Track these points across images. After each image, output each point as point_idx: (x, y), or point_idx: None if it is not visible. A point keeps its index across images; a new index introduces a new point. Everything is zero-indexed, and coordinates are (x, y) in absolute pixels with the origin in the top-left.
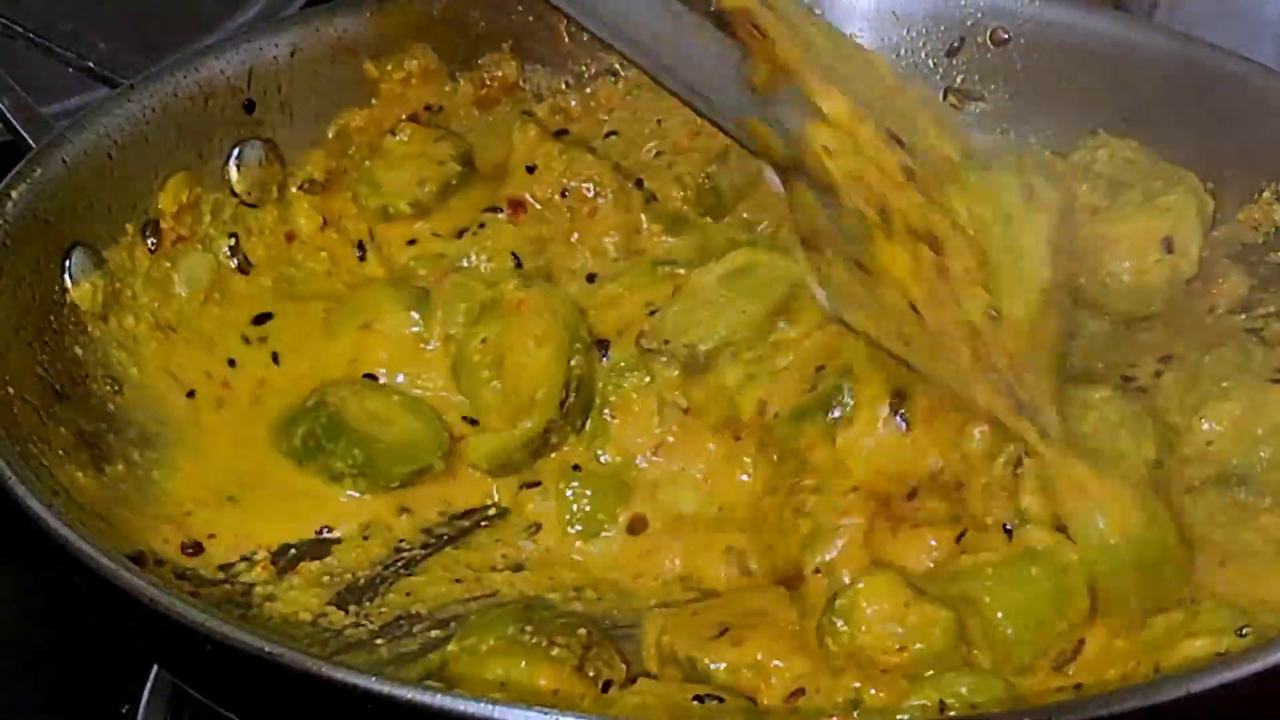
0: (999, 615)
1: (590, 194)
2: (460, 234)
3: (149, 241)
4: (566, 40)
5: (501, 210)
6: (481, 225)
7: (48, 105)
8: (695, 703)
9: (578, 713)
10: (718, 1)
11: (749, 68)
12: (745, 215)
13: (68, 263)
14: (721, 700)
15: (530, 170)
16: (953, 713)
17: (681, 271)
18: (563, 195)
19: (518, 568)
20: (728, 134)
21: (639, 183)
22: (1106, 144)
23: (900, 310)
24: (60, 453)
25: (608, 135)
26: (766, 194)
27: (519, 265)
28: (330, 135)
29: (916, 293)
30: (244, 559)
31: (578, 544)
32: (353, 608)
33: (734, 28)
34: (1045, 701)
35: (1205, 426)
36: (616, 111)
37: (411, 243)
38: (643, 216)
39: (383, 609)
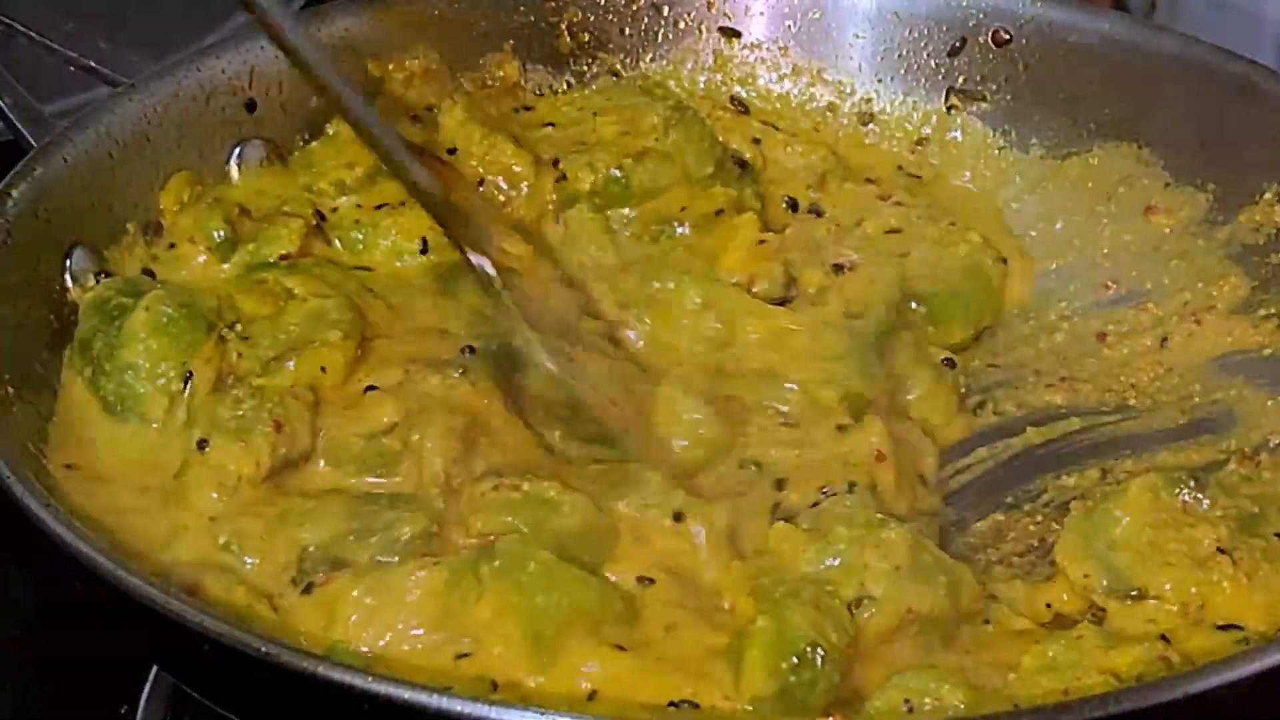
0: None
1: (504, 185)
2: (379, 207)
3: (150, 241)
4: (568, 40)
5: None
6: (402, 203)
7: (49, 104)
8: (671, 708)
9: (574, 713)
10: None
11: None
12: (646, 215)
13: (68, 262)
14: (697, 706)
15: (451, 152)
16: (927, 711)
17: None
18: (480, 185)
19: None
20: None
21: (555, 162)
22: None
23: None
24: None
25: (545, 125)
26: (672, 199)
27: (424, 251)
28: (331, 134)
29: None
30: None
31: None
32: None
33: None
34: (1045, 702)
35: None
36: (562, 106)
37: (334, 210)
38: (550, 204)
39: None
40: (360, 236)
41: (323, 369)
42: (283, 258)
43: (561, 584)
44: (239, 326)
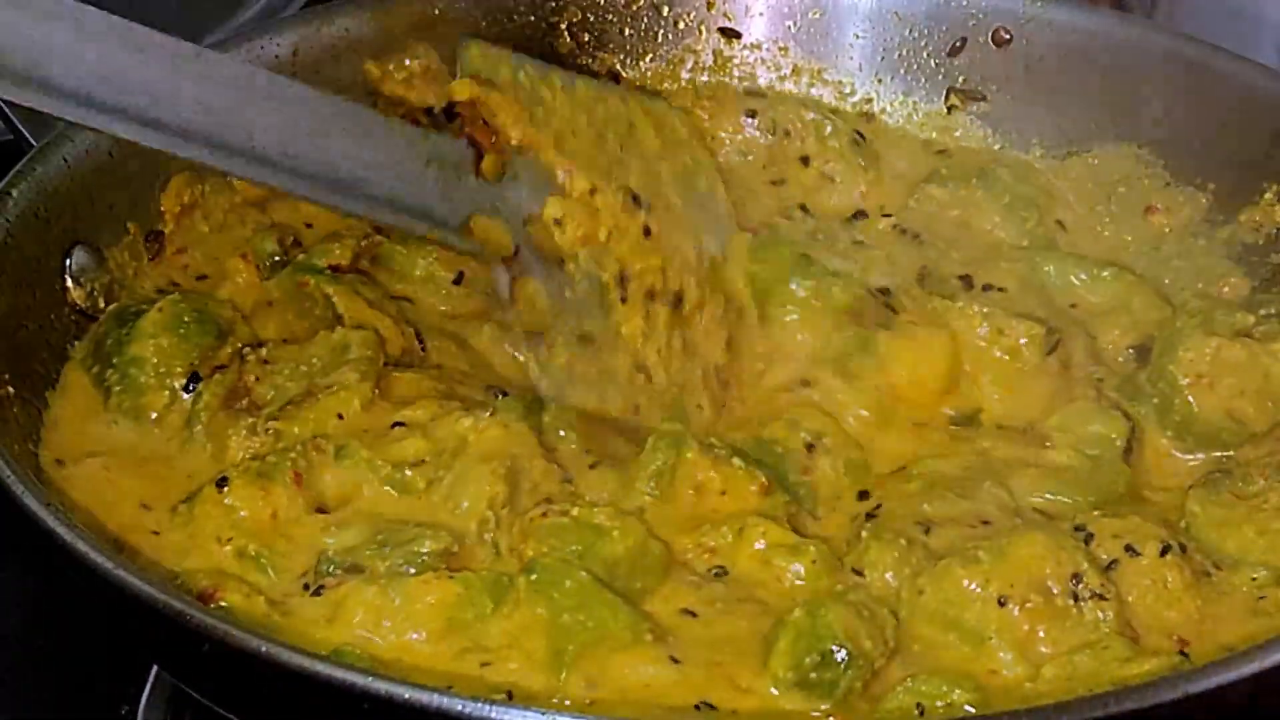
0: None
1: None
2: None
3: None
4: (568, 40)
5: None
6: None
7: None
8: (695, 710)
9: (577, 713)
10: (449, 95)
11: (479, 161)
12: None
13: (68, 261)
14: (715, 708)
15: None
16: (939, 714)
17: None
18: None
19: None
20: (444, 245)
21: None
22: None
23: (629, 375)
24: None
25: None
26: None
27: (458, 281)
28: None
29: (648, 354)
30: None
31: None
32: None
33: (463, 122)
34: (1044, 702)
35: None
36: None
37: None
38: None
39: None
40: (403, 253)
41: (340, 415)
42: (331, 268)
43: (591, 606)
44: (264, 350)
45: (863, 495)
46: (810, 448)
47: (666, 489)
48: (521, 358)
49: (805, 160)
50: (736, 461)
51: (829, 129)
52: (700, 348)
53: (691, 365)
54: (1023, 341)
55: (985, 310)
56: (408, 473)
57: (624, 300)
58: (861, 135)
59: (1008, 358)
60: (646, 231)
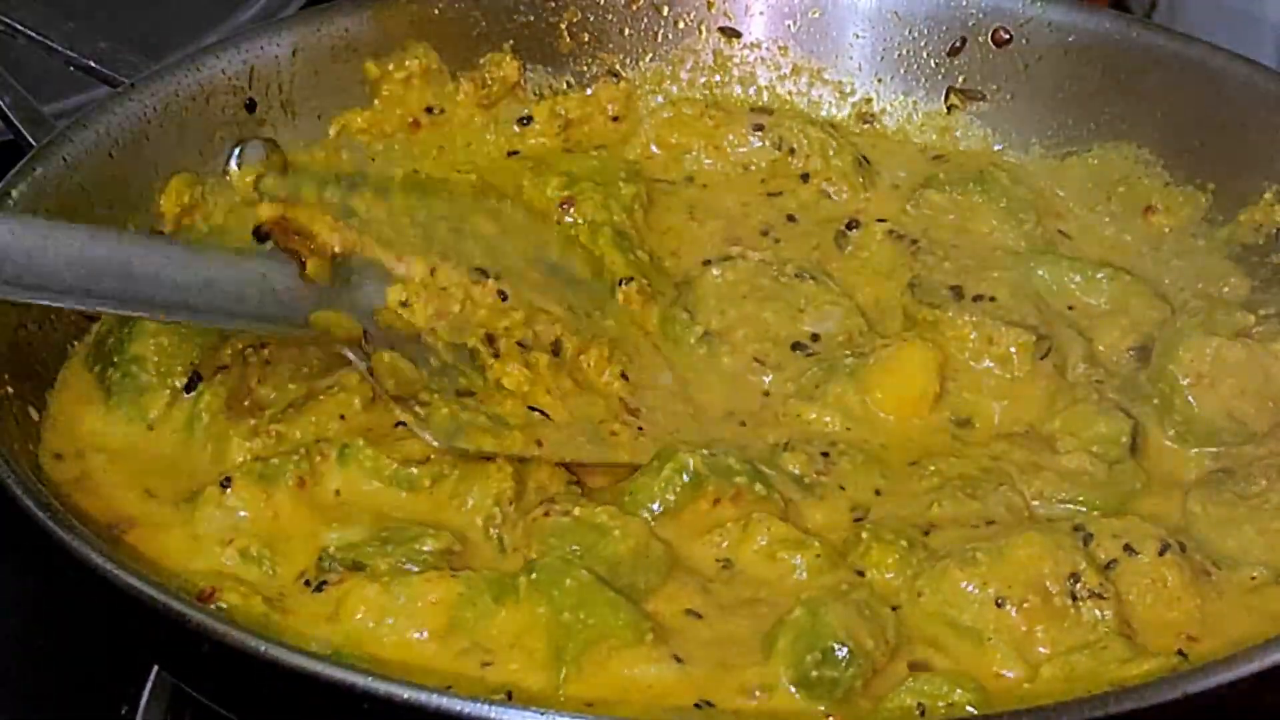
0: None
1: None
2: None
3: None
4: (568, 40)
5: None
6: None
7: (49, 104)
8: (695, 709)
9: (577, 713)
10: (255, 219)
11: (303, 270)
12: None
13: None
14: (713, 705)
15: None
16: (941, 714)
17: None
18: None
19: None
20: (305, 340)
21: None
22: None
23: (523, 417)
24: None
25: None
26: None
27: None
28: (332, 134)
29: (538, 397)
30: None
31: None
32: None
33: (276, 240)
34: (1045, 703)
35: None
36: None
37: None
38: None
39: None
40: None
41: (342, 416)
42: None
43: (591, 605)
44: (266, 350)
45: (857, 509)
46: (825, 455)
47: (673, 512)
48: (401, 415)
49: (805, 177)
50: (759, 488)
51: (834, 149)
52: (595, 385)
53: (591, 399)
54: (1013, 349)
55: (974, 320)
56: (413, 470)
57: (496, 356)
58: (866, 160)
59: (999, 366)
60: (503, 296)
